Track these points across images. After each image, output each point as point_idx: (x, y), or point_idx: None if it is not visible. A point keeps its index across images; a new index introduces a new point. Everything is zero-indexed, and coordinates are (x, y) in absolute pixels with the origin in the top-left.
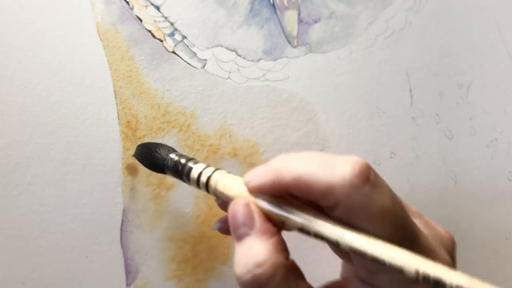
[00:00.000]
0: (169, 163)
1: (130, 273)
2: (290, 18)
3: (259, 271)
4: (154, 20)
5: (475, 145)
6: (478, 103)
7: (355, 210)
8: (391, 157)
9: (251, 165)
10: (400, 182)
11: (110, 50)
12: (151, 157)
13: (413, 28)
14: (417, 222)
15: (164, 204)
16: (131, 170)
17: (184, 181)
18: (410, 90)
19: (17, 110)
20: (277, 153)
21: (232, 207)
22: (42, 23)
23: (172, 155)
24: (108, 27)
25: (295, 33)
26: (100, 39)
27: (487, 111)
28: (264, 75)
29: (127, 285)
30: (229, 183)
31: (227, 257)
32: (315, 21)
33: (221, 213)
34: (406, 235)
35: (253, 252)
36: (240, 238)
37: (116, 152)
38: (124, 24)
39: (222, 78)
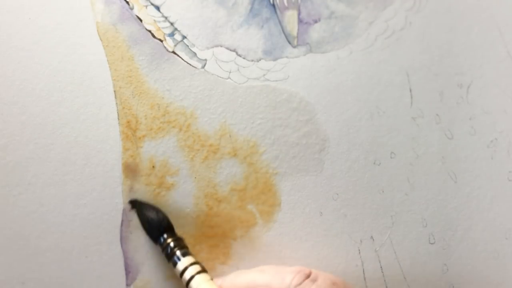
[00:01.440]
0: (160, 242)
1: (130, 273)
2: (290, 18)
3: None
4: (154, 20)
5: (475, 145)
6: (478, 103)
7: None
8: (391, 157)
9: (251, 165)
10: (400, 182)
11: (110, 50)
12: (147, 224)
13: (413, 28)
14: None
15: (164, 204)
16: (130, 170)
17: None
18: (410, 90)
19: (17, 110)
20: (277, 153)
21: None
22: (42, 23)
23: (165, 236)
24: (108, 27)
25: (295, 33)
26: (100, 39)
27: (487, 111)
28: (264, 75)
29: (127, 285)
30: None
31: (227, 257)
32: (315, 21)
33: (222, 214)
34: None
35: None
36: None
37: (116, 152)
38: (124, 24)
39: (222, 78)
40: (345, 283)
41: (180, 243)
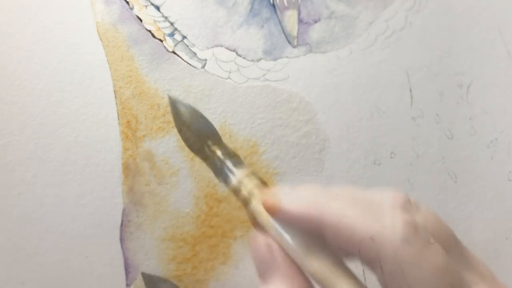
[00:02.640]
0: (198, 151)
1: (130, 273)
2: (290, 18)
3: None
4: (154, 20)
5: (475, 145)
6: (478, 103)
7: (403, 267)
8: (391, 157)
9: (251, 165)
10: (400, 182)
11: (110, 50)
12: (184, 129)
13: (413, 28)
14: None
15: (164, 204)
16: (131, 170)
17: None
18: (410, 90)
19: (17, 110)
20: (277, 153)
21: (253, 242)
22: (42, 23)
23: (209, 143)
24: (108, 27)
25: (295, 33)
26: (100, 39)
27: (487, 111)
28: (264, 75)
29: (127, 285)
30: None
31: (227, 257)
32: (315, 21)
33: (222, 214)
34: None
35: None
36: (263, 278)
37: (116, 152)
38: (124, 24)
39: (222, 78)
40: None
41: (229, 151)
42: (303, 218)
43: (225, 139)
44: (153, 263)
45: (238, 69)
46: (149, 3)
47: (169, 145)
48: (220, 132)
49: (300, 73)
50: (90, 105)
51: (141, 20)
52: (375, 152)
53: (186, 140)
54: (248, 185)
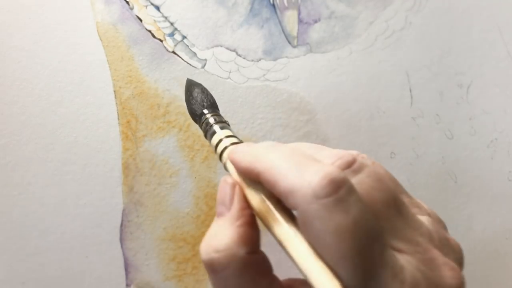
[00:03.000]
0: (201, 118)
1: (130, 273)
2: (290, 18)
3: (215, 256)
4: (154, 20)
5: (475, 145)
6: (478, 103)
7: (311, 221)
8: (391, 157)
9: None
10: (400, 182)
11: (110, 50)
12: (189, 102)
13: (413, 28)
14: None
15: (164, 204)
16: (131, 170)
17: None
18: (410, 90)
19: (17, 110)
20: None
21: (221, 182)
22: (42, 23)
23: (206, 111)
24: (108, 27)
25: (295, 33)
26: (100, 39)
27: (487, 111)
28: (264, 75)
29: (127, 285)
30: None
31: None
32: (315, 21)
33: None
34: (363, 265)
35: (218, 235)
36: (217, 215)
37: (116, 152)
38: (124, 24)
39: (222, 78)
40: (394, 180)
41: (221, 119)
42: (246, 169)
43: None
44: (153, 263)
45: (238, 69)
46: (149, 3)
47: (169, 145)
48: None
49: (300, 73)
50: (90, 105)
51: (141, 20)
52: (375, 152)
53: (189, 111)
54: (226, 142)
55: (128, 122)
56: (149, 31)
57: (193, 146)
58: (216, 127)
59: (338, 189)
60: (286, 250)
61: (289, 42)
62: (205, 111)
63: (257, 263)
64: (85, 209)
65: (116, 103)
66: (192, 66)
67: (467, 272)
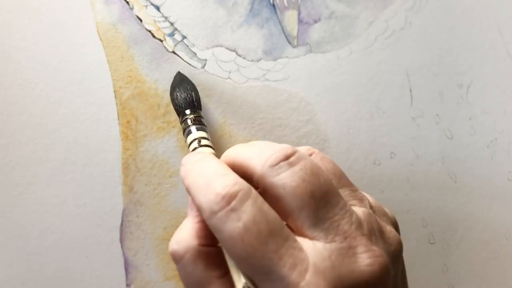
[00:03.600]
0: (181, 117)
1: (130, 273)
2: (290, 18)
3: (175, 246)
4: (154, 20)
5: (475, 145)
6: (478, 103)
7: (215, 234)
8: (391, 157)
9: None
10: (400, 182)
11: (110, 50)
12: (173, 98)
13: (413, 28)
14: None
15: (164, 204)
16: (131, 170)
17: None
18: (410, 90)
19: (17, 110)
20: None
21: None
22: (42, 23)
23: (188, 112)
24: (108, 27)
25: (295, 33)
26: (100, 39)
27: (487, 111)
28: (264, 75)
29: (127, 285)
30: None
31: None
32: (315, 21)
33: None
34: (257, 264)
35: (180, 230)
36: (186, 216)
37: (116, 152)
38: (124, 24)
39: (222, 78)
40: (337, 174)
41: (200, 120)
42: (183, 183)
43: (225, 139)
44: (153, 263)
45: (238, 69)
46: (149, 3)
47: (169, 145)
48: (220, 132)
49: (300, 73)
50: (90, 105)
51: (141, 20)
52: (375, 152)
53: (173, 106)
54: (195, 144)
55: (128, 122)
56: (149, 31)
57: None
58: (192, 128)
59: (230, 201)
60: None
61: (289, 42)
62: (187, 111)
63: (210, 255)
64: (85, 209)
65: (116, 103)
66: (192, 66)
67: (467, 272)
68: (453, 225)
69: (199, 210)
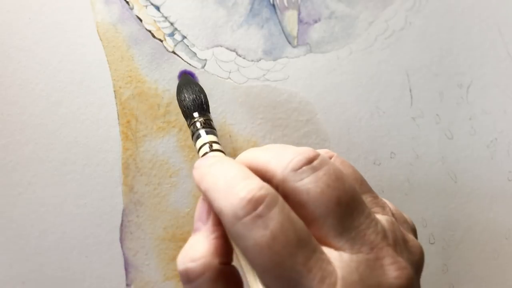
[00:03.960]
0: (189, 120)
1: (130, 273)
2: (290, 18)
3: (191, 265)
4: (154, 20)
5: (475, 145)
6: (478, 103)
7: (236, 241)
8: (391, 157)
9: None
10: (400, 182)
11: (110, 50)
12: (180, 101)
13: (413, 28)
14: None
15: (164, 204)
16: (131, 170)
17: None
18: (410, 90)
19: (17, 110)
20: None
21: (199, 200)
22: (42, 23)
23: (196, 114)
24: (108, 27)
25: (295, 33)
26: (100, 39)
27: (487, 111)
28: (264, 75)
29: (127, 285)
30: None
31: None
32: (315, 21)
33: None
34: (284, 275)
35: (194, 246)
36: (194, 231)
37: (116, 152)
38: (124, 24)
39: (222, 78)
40: (359, 180)
41: (209, 123)
42: (198, 188)
43: (225, 139)
44: (153, 263)
45: (238, 69)
46: (149, 3)
47: (169, 145)
48: (220, 132)
49: (300, 73)
50: (90, 105)
51: (141, 20)
52: (375, 152)
53: (180, 109)
54: (206, 148)
55: (128, 122)
56: (149, 31)
57: (193, 146)
58: (202, 132)
59: (256, 207)
60: (241, 265)
61: (289, 42)
62: (195, 114)
63: (230, 274)
64: (85, 209)
65: (116, 103)
66: (192, 66)
67: (467, 272)
68: (453, 225)
69: (219, 216)
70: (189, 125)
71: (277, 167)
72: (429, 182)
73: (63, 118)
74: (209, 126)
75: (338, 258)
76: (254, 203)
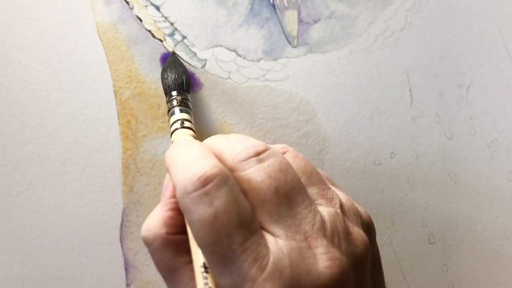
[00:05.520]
0: (167, 96)
1: (130, 273)
2: (290, 18)
3: (145, 234)
4: (154, 20)
5: (475, 145)
6: (478, 103)
7: (184, 213)
8: (391, 157)
9: None
10: (400, 182)
11: (110, 50)
12: (163, 78)
13: (413, 28)
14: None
15: None
16: (131, 170)
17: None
18: (410, 90)
19: (17, 110)
20: None
21: (166, 176)
22: (42, 23)
23: (174, 93)
24: (108, 27)
25: (295, 33)
26: (100, 39)
27: (487, 111)
28: (264, 75)
29: (127, 285)
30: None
31: None
32: (315, 21)
33: None
34: (220, 252)
35: (150, 217)
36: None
37: (116, 152)
38: (124, 24)
39: (222, 78)
40: (308, 172)
41: (186, 102)
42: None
43: None
44: (153, 263)
45: (238, 69)
46: (149, 3)
47: (169, 145)
48: (220, 132)
49: (300, 73)
50: (90, 105)
51: (141, 20)
52: (375, 152)
53: (163, 87)
54: (177, 124)
55: (128, 122)
56: (149, 31)
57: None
58: (176, 109)
59: (205, 184)
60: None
61: (289, 42)
62: (174, 92)
63: (178, 242)
64: (85, 209)
65: (116, 103)
66: (192, 66)
67: (467, 272)
68: (453, 225)
69: (175, 190)
70: (167, 102)
71: (229, 156)
72: (429, 182)
73: (63, 118)
74: (184, 105)
75: (274, 243)
76: (203, 181)
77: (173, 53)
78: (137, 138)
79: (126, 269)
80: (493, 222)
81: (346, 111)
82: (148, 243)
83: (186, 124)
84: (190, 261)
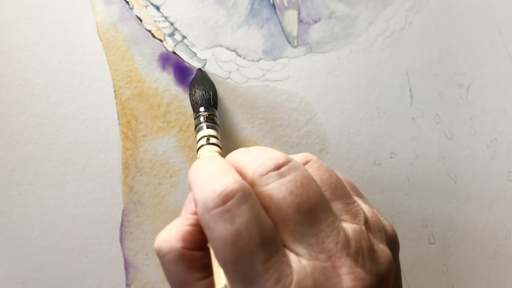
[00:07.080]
0: (194, 112)
1: (130, 273)
2: (290, 18)
3: (160, 245)
4: (154, 20)
5: (475, 145)
6: (478, 103)
7: (205, 230)
8: (391, 157)
9: None
10: (400, 182)
11: (110, 50)
12: (191, 93)
13: (413, 28)
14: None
15: (164, 204)
16: (131, 170)
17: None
18: (410, 90)
19: (17, 110)
20: None
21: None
22: (42, 23)
23: (202, 109)
24: (108, 27)
25: (295, 33)
26: (100, 39)
27: (487, 111)
28: (264, 75)
29: (127, 285)
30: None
31: None
32: (315, 21)
33: None
34: (243, 271)
35: (168, 229)
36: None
37: (116, 152)
38: (124, 24)
39: (222, 78)
40: (332, 185)
41: (213, 118)
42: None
43: (225, 139)
44: (153, 263)
45: (238, 69)
46: (149, 3)
47: (169, 145)
48: (220, 132)
49: (300, 73)
50: (90, 105)
51: (141, 20)
52: (375, 152)
53: (190, 102)
54: (203, 141)
55: (128, 122)
56: (149, 31)
57: (193, 146)
58: (203, 125)
59: (226, 201)
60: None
61: (289, 42)
62: (201, 108)
63: (193, 258)
64: (85, 209)
65: (116, 103)
66: (192, 66)
67: (467, 272)
68: (453, 225)
69: (196, 205)
70: (194, 118)
71: (249, 170)
72: (429, 182)
73: (63, 118)
74: (211, 121)
75: (297, 263)
76: (224, 197)
77: (200, 69)
78: (137, 138)
79: (126, 269)
80: (493, 222)
81: (346, 111)
82: (161, 254)
83: (212, 140)
84: (204, 277)
